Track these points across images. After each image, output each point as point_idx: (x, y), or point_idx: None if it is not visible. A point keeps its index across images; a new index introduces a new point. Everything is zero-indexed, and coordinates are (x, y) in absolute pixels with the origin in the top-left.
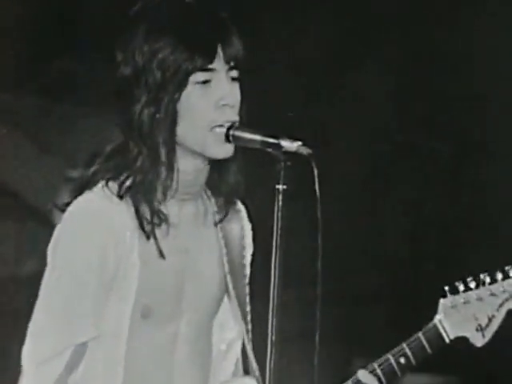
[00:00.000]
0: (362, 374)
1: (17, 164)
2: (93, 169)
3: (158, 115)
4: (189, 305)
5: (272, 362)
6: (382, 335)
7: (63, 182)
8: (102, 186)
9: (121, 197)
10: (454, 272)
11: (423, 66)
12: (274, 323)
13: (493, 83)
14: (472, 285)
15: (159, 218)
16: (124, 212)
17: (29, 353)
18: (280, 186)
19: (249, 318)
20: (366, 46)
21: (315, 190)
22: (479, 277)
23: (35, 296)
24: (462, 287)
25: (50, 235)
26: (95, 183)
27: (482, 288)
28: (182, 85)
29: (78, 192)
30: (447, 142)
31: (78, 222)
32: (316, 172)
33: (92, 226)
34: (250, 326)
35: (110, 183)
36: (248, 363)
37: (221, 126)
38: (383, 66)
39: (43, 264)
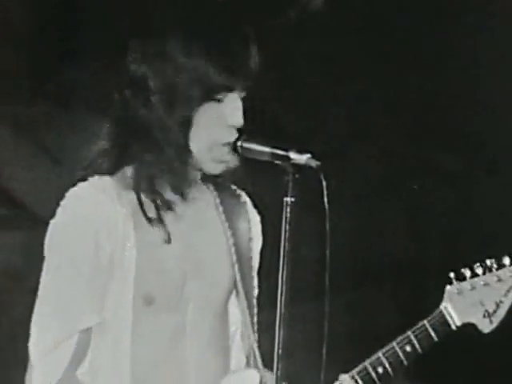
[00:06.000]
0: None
1: (25, 175)
2: (86, 164)
3: (172, 122)
4: (193, 292)
5: (279, 372)
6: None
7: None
8: (95, 179)
9: (118, 188)
10: (459, 259)
11: (429, 74)
12: (280, 334)
13: (498, 92)
14: (479, 271)
15: (163, 203)
16: (116, 202)
17: (34, 345)
18: (288, 199)
19: (255, 310)
20: (370, 56)
21: (324, 203)
22: (485, 263)
23: None
24: (468, 273)
25: None
26: (89, 177)
27: (488, 274)
28: (203, 99)
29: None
30: (456, 152)
31: (70, 212)
32: (324, 184)
33: (83, 213)
34: (255, 319)
35: (104, 176)
36: (252, 354)
37: (223, 145)
38: (388, 75)
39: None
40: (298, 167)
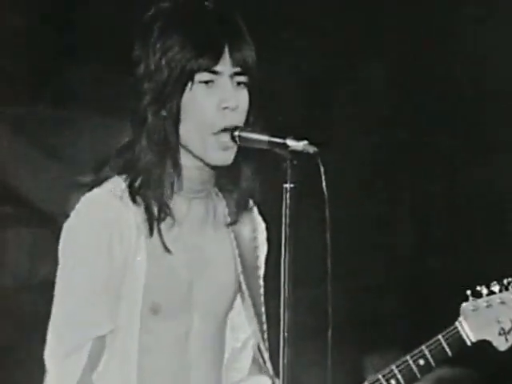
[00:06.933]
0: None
1: (30, 173)
2: (103, 167)
3: (162, 113)
4: (199, 301)
5: (285, 359)
6: (395, 330)
7: (75, 188)
8: (111, 184)
9: (131, 196)
10: (472, 275)
11: (425, 61)
12: (285, 321)
13: (497, 79)
14: (495, 289)
15: (165, 212)
16: (130, 209)
17: (49, 351)
18: (287, 185)
19: (263, 318)
20: (368, 43)
21: (322, 188)
22: (502, 281)
23: (49, 302)
24: (485, 291)
25: None
26: (105, 180)
27: (505, 292)
28: (186, 84)
29: (89, 190)
30: (452, 139)
31: (84, 216)
32: (322, 170)
33: (97, 218)
34: (265, 327)
35: (119, 181)
36: (263, 363)
37: (223, 130)
38: (385, 62)
39: (57, 270)
40: (296, 154)
